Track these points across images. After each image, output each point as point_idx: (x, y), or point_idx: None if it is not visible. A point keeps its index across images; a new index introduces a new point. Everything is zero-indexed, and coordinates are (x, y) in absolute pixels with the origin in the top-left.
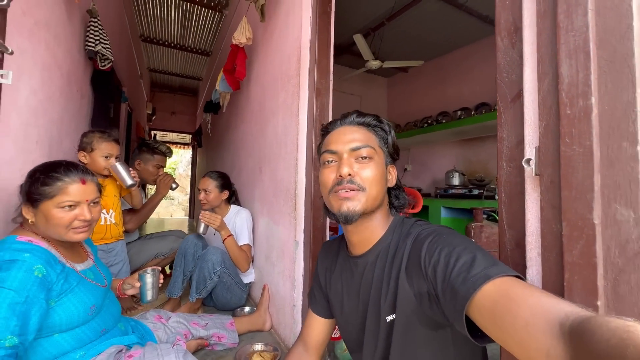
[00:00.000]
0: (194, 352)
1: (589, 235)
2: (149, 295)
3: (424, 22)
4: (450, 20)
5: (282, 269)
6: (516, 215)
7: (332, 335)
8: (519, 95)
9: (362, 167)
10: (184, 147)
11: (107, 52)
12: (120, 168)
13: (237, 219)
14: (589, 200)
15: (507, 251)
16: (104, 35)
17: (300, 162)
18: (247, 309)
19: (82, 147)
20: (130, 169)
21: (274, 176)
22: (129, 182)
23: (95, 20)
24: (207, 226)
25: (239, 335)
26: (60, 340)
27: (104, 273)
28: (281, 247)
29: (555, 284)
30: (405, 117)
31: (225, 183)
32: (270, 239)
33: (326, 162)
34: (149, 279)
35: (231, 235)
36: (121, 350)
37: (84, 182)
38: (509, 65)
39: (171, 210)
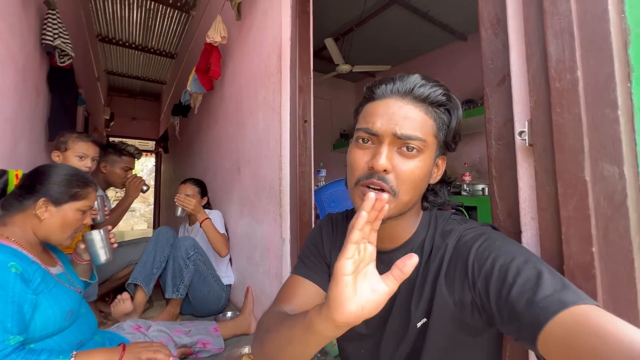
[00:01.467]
0: None
1: (581, 192)
2: (102, 254)
3: (390, 28)
4: (414, 27)
5: (267, 268)
6: (508, 187)
7: None
8: (504, 79)
9: (403, 161)
10: (146, 155)
11: (67, 47)
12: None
13: (211, 216)
14: (580, 160)
15: (500, 222)
16: (64, 29)
17: (284, 159)
18: (229, 314)
19: (57, 146)
20: (106, 207)
21: (255, 175)
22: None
23: (54, 12)
24: (183, 210)
25: (224, 340)
26: None
27: (75, 281)
28: (266, 246)
29: (552, 239)
30: None
31: (204, 189)
32: (253, 239)
33: (360, 141)
34: (96, 236)
35: (208, 218)
36: None
37: (96, 190)
38: (493, 53)
39: (132, 223)
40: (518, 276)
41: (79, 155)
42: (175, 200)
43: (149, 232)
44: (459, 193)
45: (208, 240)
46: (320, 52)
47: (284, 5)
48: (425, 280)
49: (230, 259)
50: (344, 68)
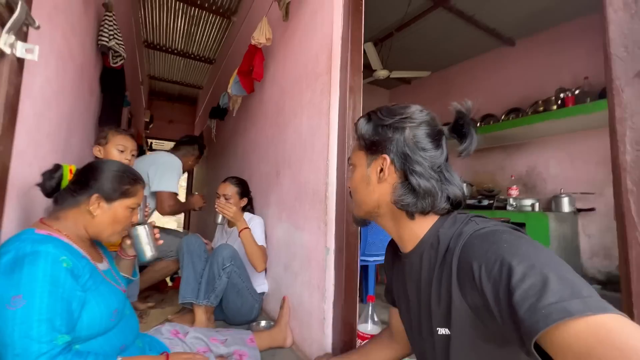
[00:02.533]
0: None
1: None
2: (147, 251)
3: (431, 33)
4: (457, 32)
5: (307, 278)
6: None
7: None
8: None
9: (350, 178)
10: None
11: (121, 49)
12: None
13: (251, 225)
14: None
15: (639, 248)
16: (118, 31)
17: (332, 163)
18: (263, 323)
19: (98, 142)
20: (147, 208)
21: (297, 179)
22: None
23: (110, 15)
24: (223, 217)
25: (259, 351)
26: None
27: (120, 279)
28: (307, 255)
29: None
30: None
31: (245, 190)
32: (292, 247)
33: None
34: (141, 232)
35: (248, 228)
36: None
37: (144, 188)
38: (628, 38)
39: (163, 222)
40: (522, 281)
41: (119, 148)
42: (215, 206)
43: None
44: (504, 207)
45: (245, 252)
46: None
47: (336, 4)
48: (441, 283)
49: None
50: (382, 73)
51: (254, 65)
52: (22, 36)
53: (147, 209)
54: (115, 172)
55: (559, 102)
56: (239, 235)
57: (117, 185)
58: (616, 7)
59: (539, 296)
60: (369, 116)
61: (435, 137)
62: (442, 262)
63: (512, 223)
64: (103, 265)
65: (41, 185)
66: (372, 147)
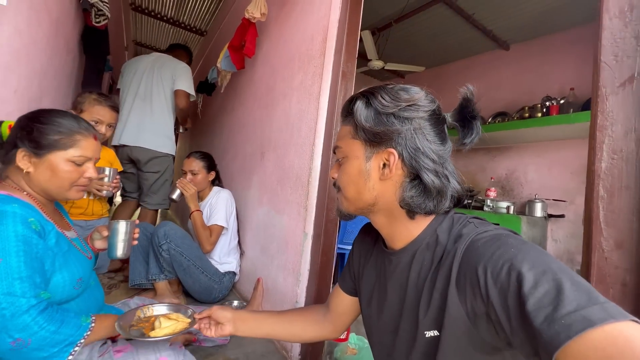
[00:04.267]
0: None
1: None
2: (120, 248)
3: (429, 28)
4: (455, 30)
5: (283, 262)
6: (620, 211)
7: (340, 337)
8: (632, 79)
9: (339, 169)
10: None
11: (105, 7)
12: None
13: (215, 199)
14: None
15: (601, 252)
16: None
17: (317, 148)
18: (235, 303)
19: (74, 105)
20: (114, 181)
21: (281, 162)
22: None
23: None
24: (181, 193)
25: None
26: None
27: (88, 248)
28: (284, 239)
29: None
30: None
31: (212, 163)
32: (270, 229)
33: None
34: (121, 227)
35: (199, 210)
36: (105, 343)
37: (95, 139)
38: (619, 46)
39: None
40: (535, 288)
41: (94, 120)
42: (177, 183)
43: None
44: (481, 208)
45: (194, 231)
46: None
47: None
48: (434, 286)
49: (240, 247)
50: (377, 64)
51: (245, 41)
52: None
53: (114, 182)
54: (45, 121)
55: (544, 110)
56: (189, 217)
57: (44, 137)
58: (612, 15)
59: (555, 304)
60: (367, 99)
61: (442, 129)
62: (438, 264)
63: None
64: (71, 234)
65: None
66: (375, 138)
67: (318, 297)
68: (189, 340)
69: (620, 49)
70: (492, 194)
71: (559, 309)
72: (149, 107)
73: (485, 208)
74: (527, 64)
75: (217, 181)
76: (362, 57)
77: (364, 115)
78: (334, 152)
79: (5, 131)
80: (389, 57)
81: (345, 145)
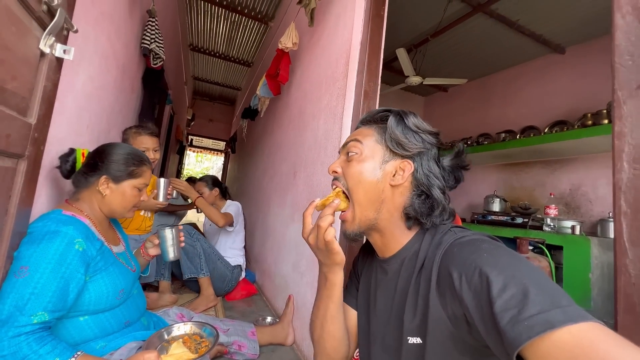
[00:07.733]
0: (213, 359)
1: None
2: (171, 252)
3: (470, 39)
4: (499, 38)
5: (312, 279)
6: None
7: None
8: None
9: (348, 164)
10: (217, 154)
11: (160, 51)
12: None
13: (227, 208)
14: None
15: (628, 276)
16: (159, 35)
17: None
18: (268, 319)
19: (123, 140)
20: (169, 189)
21: (310, 180)
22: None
23: (153, 20)
24: (177, 192)
25: (260, 346)
26: (84, 324)
27: (133, 261)
28: (312, 256)
29: None
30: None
31: (214, 182)
32: (300, 247)
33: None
34: (168, 234)
35: (200, 196)
36: (142, 347)
37: (151, 168)
38: (635, 45)
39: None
40: (503, 291)
41: (142, 149)
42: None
43: None
44: (540, 228)
45: (205, 215)
46: (391, 64)
47: (357, 8)
48: (418, 292)
49: (245, 247)
50: (414, 80)
51: (280, 69)
52: (62, 39)
53: (169, 190)
54: (122, 155)
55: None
56: (194, 205)
57: (124, 167)
58: (624, 12)
59: (520, 307)
60: (399, 115)
61: (440, 160)
62: (419, 270)
63: (547, 245)
64: (118, 248)
65: (59, 168)
66: (398, 148)
67: None
68: (220, 352)
69: (636, 48)
70: (553, 211)
71: (523, 312)
72: None
73: (545, 227)
74: (586, 67)
75: (227, 195)
76: (401, 74)
77: (394, 124)
78: (345, 146)
79: (80, 158)
80: (428, 72)
81: (365, 145)
